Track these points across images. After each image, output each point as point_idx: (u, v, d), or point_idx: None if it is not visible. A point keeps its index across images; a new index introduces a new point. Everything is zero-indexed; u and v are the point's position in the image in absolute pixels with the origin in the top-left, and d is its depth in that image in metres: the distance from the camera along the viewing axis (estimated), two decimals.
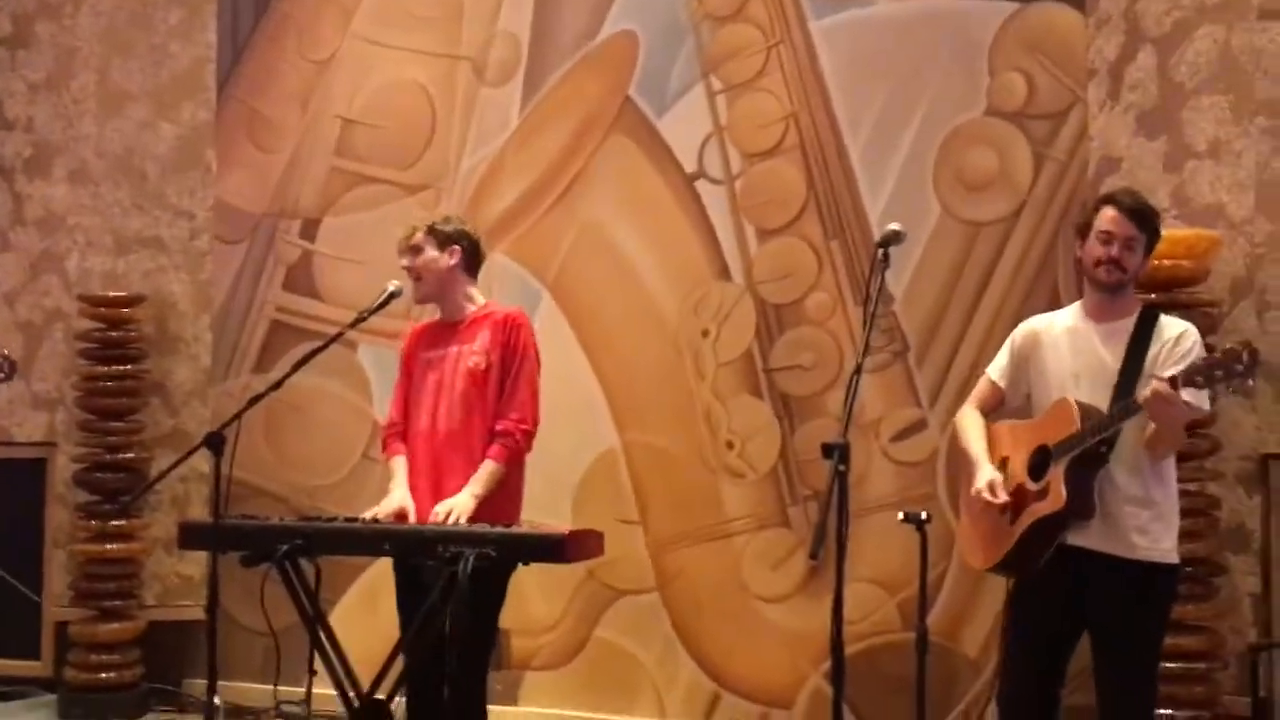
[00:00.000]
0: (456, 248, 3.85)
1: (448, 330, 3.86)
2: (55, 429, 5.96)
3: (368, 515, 3.69)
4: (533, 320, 5.11)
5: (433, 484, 3.70)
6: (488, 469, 3.64)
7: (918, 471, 4.73)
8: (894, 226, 3.28)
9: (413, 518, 3.64)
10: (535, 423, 3.75)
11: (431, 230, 3.85)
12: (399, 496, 3.70)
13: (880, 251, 3.25)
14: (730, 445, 4.99)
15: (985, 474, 3.34)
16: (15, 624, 5.75)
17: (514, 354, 3.77)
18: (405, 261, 3.85)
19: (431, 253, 3.81)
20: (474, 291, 3.92)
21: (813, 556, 2.80)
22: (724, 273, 5.05)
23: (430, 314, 4.07)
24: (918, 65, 4.82)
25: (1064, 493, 3.17)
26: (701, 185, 5.09)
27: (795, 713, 4.83)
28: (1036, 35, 4.65)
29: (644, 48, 5.19)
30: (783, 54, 4.97)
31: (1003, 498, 3.27)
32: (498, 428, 3.69)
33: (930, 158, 4.76)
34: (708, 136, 5.08)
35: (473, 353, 3.76)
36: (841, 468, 2.88)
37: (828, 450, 2.89)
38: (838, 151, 4.89)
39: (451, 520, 3.51)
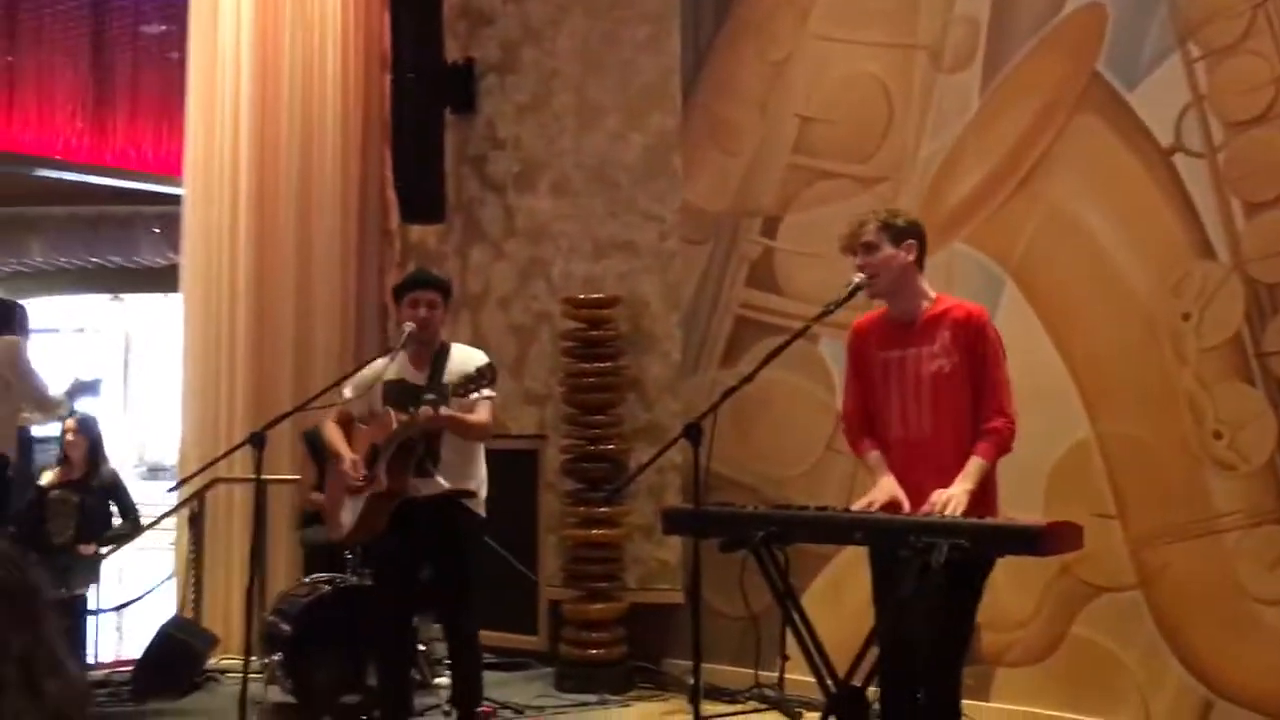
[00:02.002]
0: (913, 242, 3.72)
1: (903, 329, 3.73)
2: (545, 423, 6.44)
3: (858, 505, 3.69)
4: (996, 308, 5.06)
5: (910, 490, 3.64)
6: (976, 464, 3.55)
7: None
8: None
9: (906, 507, 3.61)
10: (1016, 418, 3.64)
11: (885, 225, 3.71)
12: (889, 484, 3.65)
13: None
14: (1218, 435, 4.65)
15: None
16: (516, 601, 6.27)
17: (981, 355, 3.63)
18: (859, 259, 3.72)
19: (888, 249, 3.68)
20: (926, 286, 3.78)
21: None
22: (1206, 251, 4.71)
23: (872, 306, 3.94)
24: None
25: None
26: (1179, 159, 4.77)
27: None
28: None
29: (1113, 20, 4.93)
30: (1270, 11, 4.57)
31: None
32: (985, 425, 3.59)
33: None
34: (1185, 107, 4.75)
35: (934, 356, 3.65)
36: None
37: None
38: None
39: (950, 510, 3.45)
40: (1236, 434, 4.62)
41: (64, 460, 6.72)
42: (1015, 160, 5.16)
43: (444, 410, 4.36)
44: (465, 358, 4.60)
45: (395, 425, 4.41)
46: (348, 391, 4.66)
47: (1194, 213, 4.73)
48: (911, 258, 3.72)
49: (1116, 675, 4.83)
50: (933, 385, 3.65)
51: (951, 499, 3.48)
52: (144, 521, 6.98)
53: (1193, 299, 4.73)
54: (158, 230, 11.93)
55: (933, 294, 3.77)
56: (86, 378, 6.50)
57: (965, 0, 5.31)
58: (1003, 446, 3.61)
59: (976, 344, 3.63)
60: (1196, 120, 4.74)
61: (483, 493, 4.65)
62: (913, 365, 3.68)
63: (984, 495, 3.60)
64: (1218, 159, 4.69)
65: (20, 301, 6.68)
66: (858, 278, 3.73)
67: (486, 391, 4.51)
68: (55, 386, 6.24)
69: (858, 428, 3.83)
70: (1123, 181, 4.90)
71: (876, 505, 3.62)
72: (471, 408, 4.49)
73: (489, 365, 4.41)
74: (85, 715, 0.90)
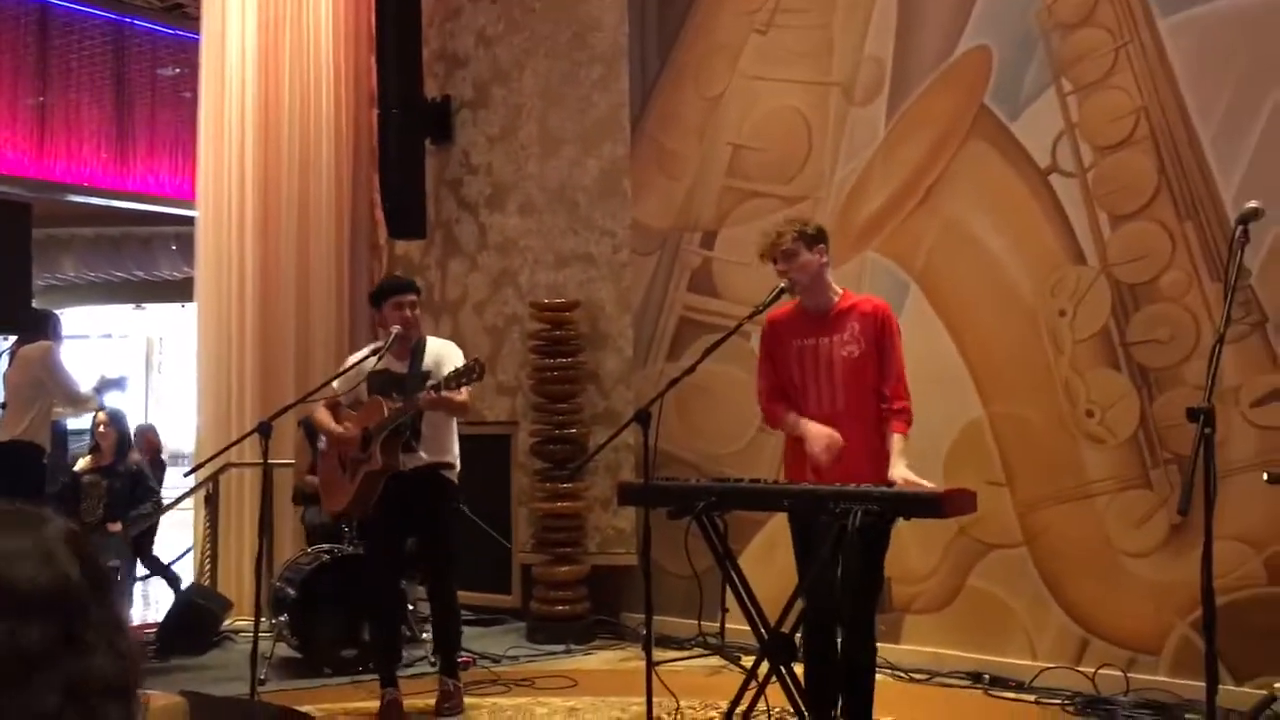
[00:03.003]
0: (823, 246, 3.73)
1: (815, 320, 3.74)
2: (516, 410, 6.42)
3: (818, 448, 3.59)
4: (902, 307, 5.09)
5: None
6: (900, 441, 3.59)
7: (1279, 436, 4.28)
8: (1254, 204, 2.99)
9: (838, 438, 3.58)
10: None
11: (801, 234, 3.70)
12: (816, 428, 3.60)
13: (1240, 228, 2.96)
14: (1090, 414, 4.71)
15: None
16: (493, 565, 6.24)
17: (887, 342, 3.66)
18: (780, 265, 3.70)
19: (805, 255, 3.68)
20: (833, 283, 3.80)
21: (1182, 511, 2.59)
22: (1079, 257, 4.76)
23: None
24: (1267, 53, 4.35)
25: None
26: (1055, 179, 4.82)
27: (1162, 659, 4.49)
28: None
29: (997, 59, 4.97)
30: (1131, 52, 4.63)
31: None
32: (895, 406, 3.62)
33: None
34: (1060, 134, 4.81)
35: (845, 343, 3.67)
36: (1208, 430, 2.65)
37: (1193, 414, 2.66)
38: (1189, 139, 4.50)
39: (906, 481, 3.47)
40: (1106, 413, 4.68)
41: (95, 449, 6.63)
42: (916, 181, 5.20)
43: (443, 393, 4.30)
44: (439, 348, 4.59)
45: (387, 412, 4.36)
46: (337, 385, 4.61)
47: (1068, 224, 4.79)
48: (824, 260, 3.73)
49: (1007, 619, 4.88)
50: (845, 368, 3.67)
51: (906, 479, 3.49)
52: (164, 503, 6.89)
53: (1067, 298, 4.78)
54: (174, 247, 11.78)
55: (839, 290, 3.80)
56: (113, 375, 6.41)
57: (873, 43, 5.34)
58: (910, 421, 3.65)
59: (882, 333, 3.67)
60: (1069, 145, 4.79)
61: (458, 465, 4.62)
62: (825, 351, 3.70)
63: (882, 464, 3.63)
64: (1088, 178, 4.75)
65: (54, 311, 6.58)
66: (783, 283, 3.73)
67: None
68: (85, 384, 6.15)
69: (770, 400, 3.82)
70: (1008, 198, 4.95)
71: (822, 446, 3.57)
72: (456, 389, 4.44)
73: (479, 363, 4.30)
74: (143, 666, 0.96)
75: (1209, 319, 4.40)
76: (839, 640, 3.63)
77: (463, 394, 4.41)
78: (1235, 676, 4.25)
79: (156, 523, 6.91)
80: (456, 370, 4.30)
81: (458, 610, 4.69)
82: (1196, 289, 4.48)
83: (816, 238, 3.73)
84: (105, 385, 6.24)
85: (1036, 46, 4.87)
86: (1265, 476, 3.81)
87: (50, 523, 0.90)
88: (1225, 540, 4.22)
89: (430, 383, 4.33)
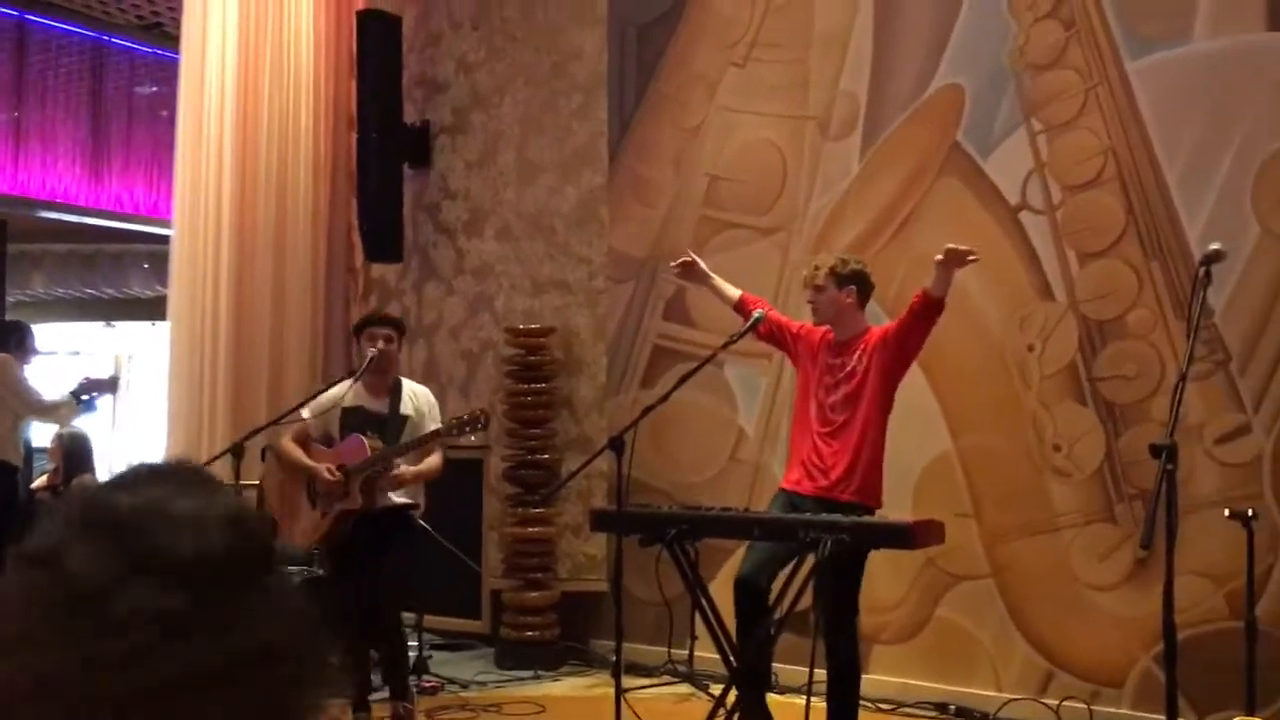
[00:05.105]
0: (852, 287, 4.00)
1: (840, 346, 4.04)
2: (489, 435, 6.41)
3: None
4: None
5: (821, 454, 3.93)
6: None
7: (1242, 472, 4.37)
8: (1215, 246, 3.08)
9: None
10: None
11: (833, 273, 4.00)
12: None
13: (1203, 269, 3.05)
14: (1057, 448, 4.78)
15: None
16: (462, 590, 6.21)
17: (883, 333, 4.02)
18: (809, 296, 4.04)
19: (833, 291, 3.98)
20: (863, 319, 4.09)
21: (1144, 546, 2.66)
22: (1047, 293, 4.85)
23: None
24: (1233, 97, 4.47)
25: None
26: (1025, 216, 4.91)
27: (1125, 692, 4.55)
28: None
29: (970, 98, 5.07)
30: (1100, 94, 4.73)
31: None
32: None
33: (1248, 182, 4.40)
34: (1030, 172, 4.90)
35: (853, 362, 3.97)
36: (1170, 466, 2.71)
37: (1156, 450, 2.73)
38: (1155, 179, 4.60)
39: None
40: (1072, 447, 4.75)
41: (57, 468, 6.53)
42: (889, 215, 5.27)
43: (408, 473, 4.40)
44: (415, 391, 4.61)
45: (370, 452, 4.34)
46: (305, 413, 4.55)
47: (1037, 261, 4.87)
48: (850, 300, 3.99)
49: (973, 650, 4.93)
50: (849, 387, 3.94)
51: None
52: None
53: (1036, 333, 4.86)
54: (147, 265, 11.73)
55: (866, 325, 4.07)
56: (97, 375, 6.22)
57: (848, 79, 5.42)
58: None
59: (881, 338, 3.98)
60: (1039, 183, 4.89)
61: (422, 507, 4.64)
62: (839, 370, 3.98)
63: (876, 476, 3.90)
64: (1056, 216, 4.84)
65: (25, 323, 6.49)
66: (756, 313, 3.88)
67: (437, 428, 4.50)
68: (53, 395, 6.01)
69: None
70: (978, 234, 5.01)
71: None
72: (430, 450, 4.48)
73: (485, 414, 4.42)
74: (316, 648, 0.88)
75: (1174, 356, 4.49)
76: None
77: (435, 458, 4.48)
78: (1197, 710, 4.31)
79: None
80: (461, 419, 4.33)
81: (403, 634, 4.68)
82: (1162, 327, 4.56)
83: (849, 279, 4.03)
84: (90, 387, 6.01)
85: (1008, 86, 4.97)
86: (1226, 513, 3.87)
87: (219, 494, 0.85)
88: (1187, 575, 4.30)
89: (420, 435, 4.36)
